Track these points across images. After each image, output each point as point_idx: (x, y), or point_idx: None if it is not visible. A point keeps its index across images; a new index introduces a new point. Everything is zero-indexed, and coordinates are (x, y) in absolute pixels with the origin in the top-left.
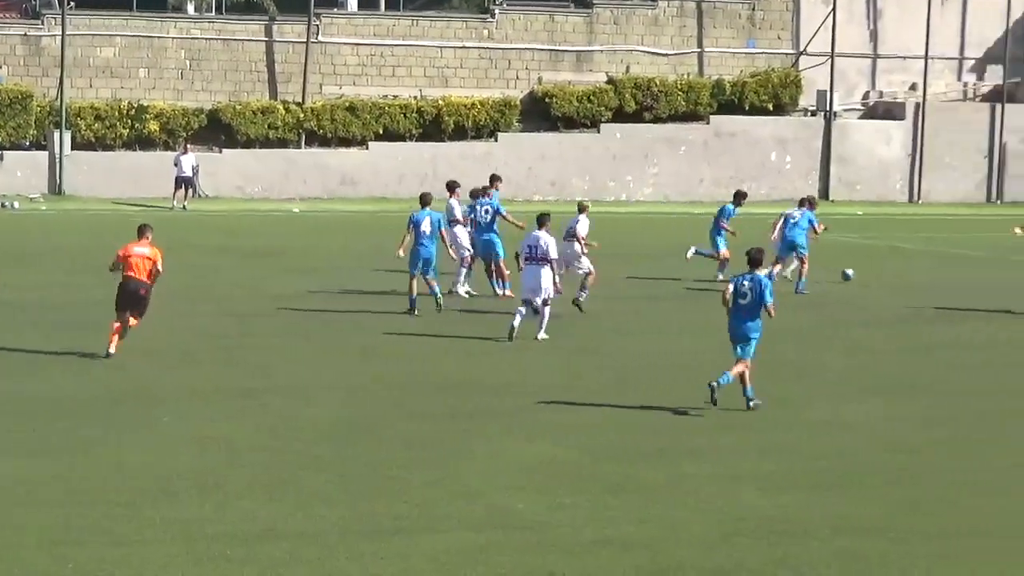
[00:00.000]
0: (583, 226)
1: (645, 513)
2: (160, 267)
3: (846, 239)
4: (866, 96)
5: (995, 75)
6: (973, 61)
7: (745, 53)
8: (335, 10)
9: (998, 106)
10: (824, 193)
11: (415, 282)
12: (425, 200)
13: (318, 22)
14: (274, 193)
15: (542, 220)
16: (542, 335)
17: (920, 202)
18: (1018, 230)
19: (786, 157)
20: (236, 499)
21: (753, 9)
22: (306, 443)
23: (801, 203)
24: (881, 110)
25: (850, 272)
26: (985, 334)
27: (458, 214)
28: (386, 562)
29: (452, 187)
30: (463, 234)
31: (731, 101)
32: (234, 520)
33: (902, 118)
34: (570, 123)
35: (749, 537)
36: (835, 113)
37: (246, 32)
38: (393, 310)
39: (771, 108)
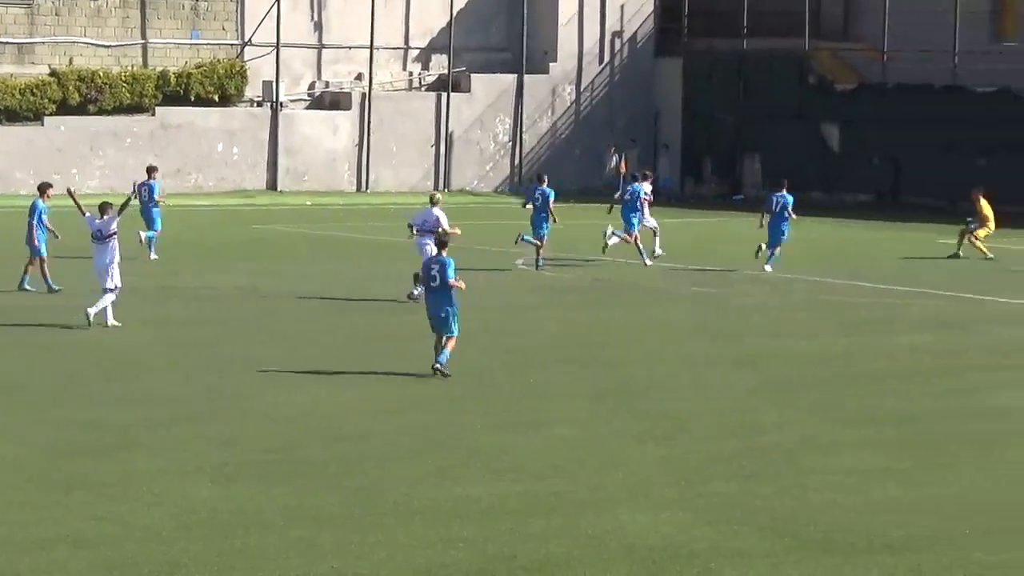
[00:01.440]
0: (444, 219)
1: (98, 510)
2: None
3: (296, 231)
4: (312, 86)
5: (440, 65)
6: (418, 51)
7: (190, 44)
8: None
9: (443, 95)
10: (272, 184)
11: None
12: None
13: None
14: None
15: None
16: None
17: (368, 192)
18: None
19: (233, 148)
20: None
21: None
22: None
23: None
24: (328, 100)
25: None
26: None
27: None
28: None
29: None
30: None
31: (177, 92)
32: None
33: (349, 108)
34: (13, 116)
35: (204, 530)
36: (281, 104)
37: None
38: None
39: (217, 99)
